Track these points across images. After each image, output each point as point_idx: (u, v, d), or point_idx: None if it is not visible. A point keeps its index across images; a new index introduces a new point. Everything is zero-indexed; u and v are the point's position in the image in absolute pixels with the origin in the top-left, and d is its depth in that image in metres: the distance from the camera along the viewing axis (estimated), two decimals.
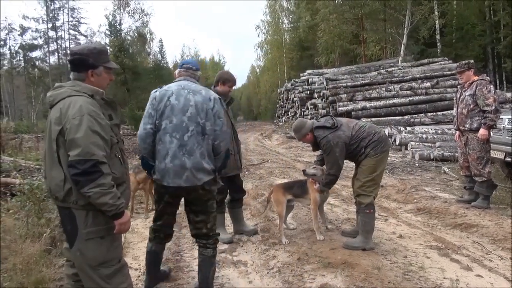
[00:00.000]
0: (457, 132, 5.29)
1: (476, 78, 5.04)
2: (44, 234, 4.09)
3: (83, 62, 2.23)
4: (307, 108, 19.75)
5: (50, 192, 2.17)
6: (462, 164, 5.32)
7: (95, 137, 2.03)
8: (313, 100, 18.75)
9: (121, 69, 30.30)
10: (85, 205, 2.09)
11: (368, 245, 3.84)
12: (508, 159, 5.81)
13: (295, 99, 22.82)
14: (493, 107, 4.80)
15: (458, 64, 5.35)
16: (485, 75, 5.26)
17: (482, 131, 4.85)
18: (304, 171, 4.28)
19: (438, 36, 23.15)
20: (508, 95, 13.78)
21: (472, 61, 5.25)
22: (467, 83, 5.08)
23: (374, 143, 3.81)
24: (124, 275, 2.26)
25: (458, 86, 5.45)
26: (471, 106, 4.94)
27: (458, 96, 5.24)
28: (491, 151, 6.23)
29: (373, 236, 3.98)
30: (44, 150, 2.22)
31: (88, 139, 2.00)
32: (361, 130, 3.88)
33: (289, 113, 25.34)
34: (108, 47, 34.40)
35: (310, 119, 13.60)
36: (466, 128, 5.03)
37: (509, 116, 6.04)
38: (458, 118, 5.14)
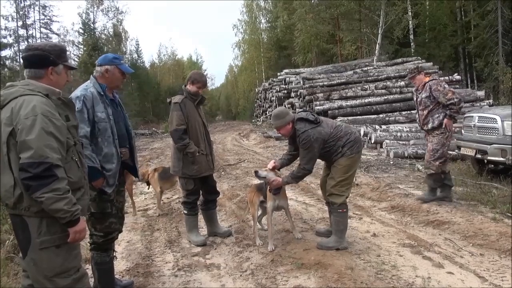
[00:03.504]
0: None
1: (427, 79, 5.22)
2: (7, 241, 3.91)
3: (44, 58, 2.12)
4: (285, 108, 19.79)
5: (0, 198, 2.03)
6: None
7: (49, 139, 1.91)
8: (291, 99, 18.77)
9: None
10: (38, 212, 1.95)
11: (342, 244, 3.82)
12: (478, 156, 5.93)
13: (272, 98, 22.78)
14: (456, 99, 4.93)
15: (407, 71, 5.54)
16: (435, 74, 5.42)
17: (446, 121, 4.96)
18: (256, 172, 4.05)
19: (411, 36, 23.68)
20: (479, 93, 14.16)
21: (420, 64, 5.43)
22: (421, 85, 5.24)
23: (351, 142, 3.79)
24: (84, 285, 2.13)
25: (413, 90, 5.61)
26: (430, 107, 5.08)
27: (415, 99, 5.40)
28: (461, 147, 6.38)
29: (347, 235, 3.97)
30: None
31: (41, 141, 1.88)
32: (339, 129, 3.85)
33: (267, 112, 25.30)
34: (82, 46, 33.59)
35: None
36: (429, 128, 5.16)
37: (479, 114, 6.18)
38: (420, 119, 5.29)
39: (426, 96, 5.08)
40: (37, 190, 1.86)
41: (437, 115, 5.03)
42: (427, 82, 5.13)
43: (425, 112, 5.11)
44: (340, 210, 3.80)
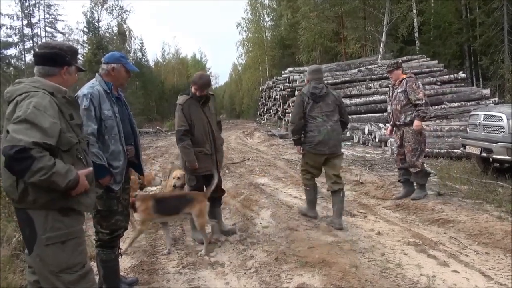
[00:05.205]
0: (389, 127, 5.65)
1: (404, 76, 5.34)
2: (13, 238, 3.93)
3: (61, 57, 2.16)
4: (289, 106, 19.71)
5: (6, 193, 2.04)
6: (396, 157, 5.60)
7: (28, 127, 1.84)
8: (295, 98, 18.74)
9: None
10: (43, 205, 1.95)
11: (309, 212, 4.78)
12: (483, 154, 5.89)
13: (276, 96, 22.72)
14: (424, 101, 5.10)
15: (387, 64, 5.70)
16: (411, 72, 5.57)
17: (417, 123, 5.12)
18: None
19: (416, 34, 23.53)
20: (484, 91, 14.06)
21: (400, 60, 5.62)
22: (397, 81, 5.36)
23: (309, 138, 4.56)
24: (89, 281, 2.14)
25: (389, 85, 5.70)
26: (404, 102, 5.21)
27: (391, 94, 5.51)
28: (467, 145, 6.35)
29: (350, 234, 4.11)
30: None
31: (19, 128, 1.83)
32: (314, 120, 4.52)
33: (271, 111, 25.25)
34: (87, 45, 33.69)
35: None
36: (401, 123, 5.28)
37: (484, 112, 6.14)
38: (393, 114, 5.40)
39: (401, 91, 5.23)
40: (23, 175, 1.83)
41: (410, 112, 5.19)
42: (404, 78, 5.27)
43: (399, 107, 5.25)
44: (305, 188, 4.80)
